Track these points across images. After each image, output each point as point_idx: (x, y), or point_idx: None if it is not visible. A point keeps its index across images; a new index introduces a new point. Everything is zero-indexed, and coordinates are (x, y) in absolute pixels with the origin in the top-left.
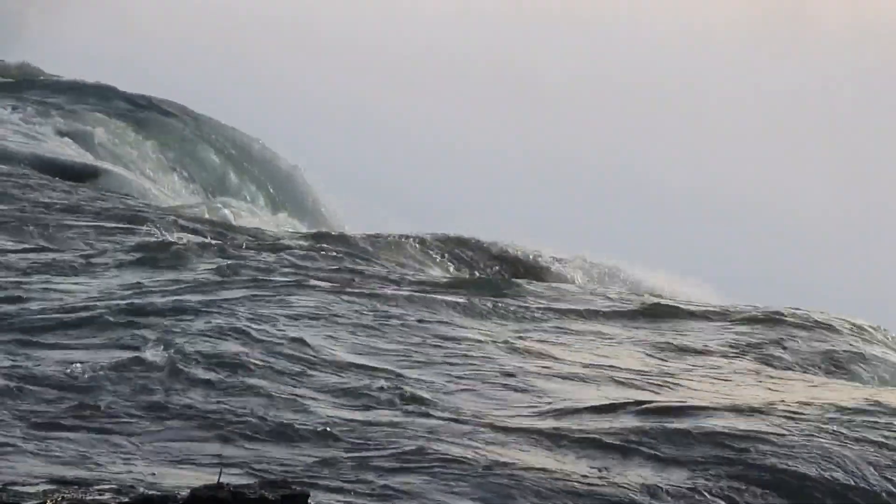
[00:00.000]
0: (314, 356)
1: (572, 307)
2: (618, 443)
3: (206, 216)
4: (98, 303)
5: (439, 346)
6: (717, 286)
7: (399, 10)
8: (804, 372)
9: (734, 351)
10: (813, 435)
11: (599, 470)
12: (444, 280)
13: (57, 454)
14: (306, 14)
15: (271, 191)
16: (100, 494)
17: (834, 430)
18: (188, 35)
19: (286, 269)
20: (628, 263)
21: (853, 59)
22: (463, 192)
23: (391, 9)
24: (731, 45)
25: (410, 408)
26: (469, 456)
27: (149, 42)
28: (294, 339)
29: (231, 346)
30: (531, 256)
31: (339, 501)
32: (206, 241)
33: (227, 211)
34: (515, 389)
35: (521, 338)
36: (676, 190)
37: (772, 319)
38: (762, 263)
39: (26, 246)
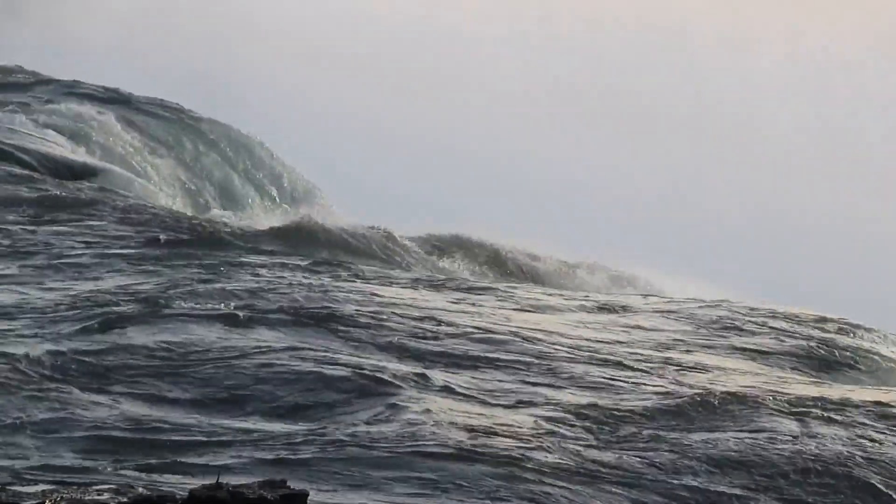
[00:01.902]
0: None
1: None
2: None
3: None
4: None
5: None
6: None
7: (401, 21)
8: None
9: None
10: None
11: None
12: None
13: (57, 453)
14: (306, 19)
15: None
16: (99, 494)
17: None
18: (189, 37)
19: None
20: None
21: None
22: (462, 194)
23: (394, 20)
24: (721, 55)
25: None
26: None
27: (150, 43)
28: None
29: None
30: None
31: (337, 501)
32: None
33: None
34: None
35: None
36: (681, 196)
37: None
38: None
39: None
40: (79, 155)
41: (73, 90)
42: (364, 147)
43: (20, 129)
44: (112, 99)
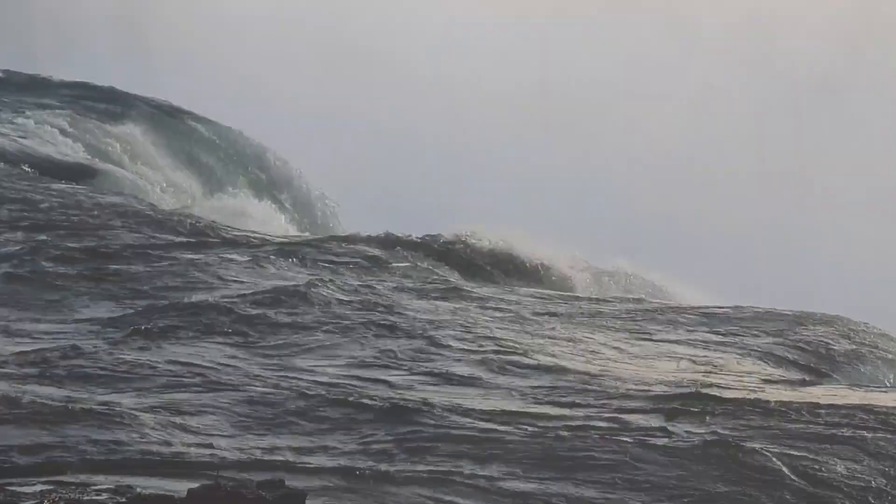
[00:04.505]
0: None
1: None
2: None
3: None
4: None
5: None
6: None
7: (401, 21)
8: None
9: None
10: None
11: None
12: None
13: (56, 453)
14: (306, 19)
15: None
16: (97, 494)
17: None
18: (192, 39)
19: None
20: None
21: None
22: (462, 194)
23: (394, 19)
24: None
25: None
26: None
27: (149, 43)
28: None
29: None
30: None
31: (335, 499)
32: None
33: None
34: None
35: None
36: (681, 196)
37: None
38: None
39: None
40: (77, 155)
41: (81, 94)
42: (364, 147)
43: (20, 128)
44: (115, 99)
